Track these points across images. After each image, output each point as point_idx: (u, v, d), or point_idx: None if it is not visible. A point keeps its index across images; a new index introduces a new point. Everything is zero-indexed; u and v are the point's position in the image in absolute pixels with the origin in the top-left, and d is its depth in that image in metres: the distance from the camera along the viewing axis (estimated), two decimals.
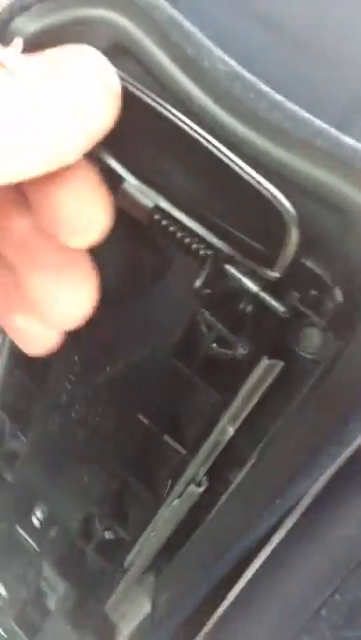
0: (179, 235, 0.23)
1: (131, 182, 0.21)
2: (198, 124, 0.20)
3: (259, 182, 0.19)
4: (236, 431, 0.26)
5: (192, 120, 0.20)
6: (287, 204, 0.19)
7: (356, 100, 0.25)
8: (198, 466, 0.27)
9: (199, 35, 0.22)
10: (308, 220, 0.21)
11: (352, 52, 0.25)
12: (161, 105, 0.20)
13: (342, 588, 0.27)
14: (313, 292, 0.22)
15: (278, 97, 0.22)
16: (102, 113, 0.19)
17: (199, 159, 0.21)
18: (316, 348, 0.24)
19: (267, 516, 0.25)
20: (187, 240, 0.23)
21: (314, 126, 0.21)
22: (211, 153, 0.20)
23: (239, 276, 0.22)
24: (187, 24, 0.22)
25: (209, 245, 0.23)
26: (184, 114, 0.20)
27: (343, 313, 0.22)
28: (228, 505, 0.27)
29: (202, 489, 0.27)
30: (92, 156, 0.20)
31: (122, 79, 0.20)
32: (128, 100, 0.20)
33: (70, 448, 0.30)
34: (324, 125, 0.21)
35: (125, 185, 0.21)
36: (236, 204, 0.21)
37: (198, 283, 0.23)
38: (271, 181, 0.20)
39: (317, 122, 0.21)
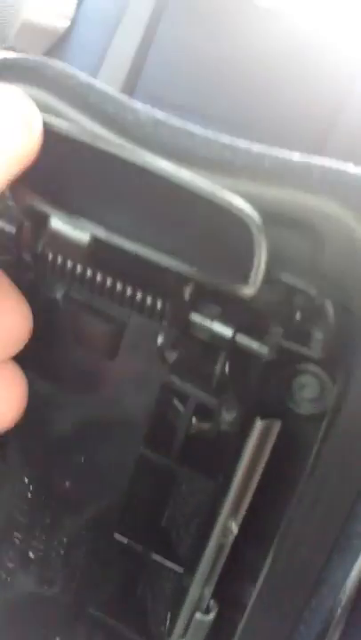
0: (128, 291, 0.19)
1: (60, 218, 0.17)
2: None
3: (211, 192, 0.16)
4: (241, 529, 0.21)
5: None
6: (247, 207, 0.16)
7: None
8: (202, 585, 0.21)
9: (116, 93, 0.21)
10: (274, 242, 0.18)
11: None
12: (95, 139, 0.18)
13: None
14: (298, 319, 0.18)
15: (210, 134, 0.20)
16: (14, 146, 0.16)
17: (138, 192, 0.18)
18: (314, 400, 0.20)
19: (304, 630, 0.19)
20: (138, 295, 0.19)
21: (255, 152, 0.20)
22: (152, 182, 0.17)
23: (208, 322, 0.19)
24: (101, 85, 0.21)
25: (164, 293, 0.19)
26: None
27: (337, 339, 0.18)
28: (251, 629, 0.21)
29: (211, 616, 0.21)
30: (15, 197, 0.17)
31: (49, 122, 0.17)
32: (56, 140, 0.17)
33: (29, 599, 0.24)
34: (265, 149, 0.20)
35: (53, 223, 0.17)
36: (188, 233, 0.18)
37: (160, 340, 0.19)
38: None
39: (257, 147, 0.20)
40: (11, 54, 0.22)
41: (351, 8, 0.94)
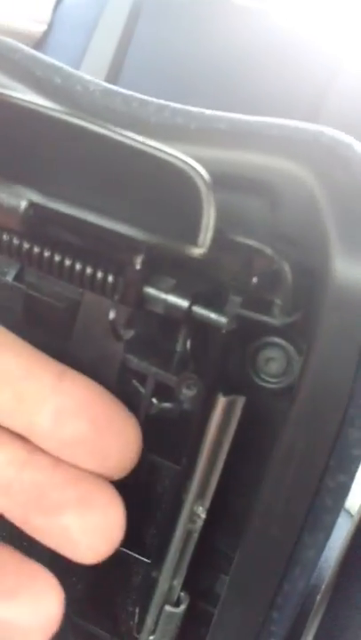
0: (77, 265, 0.18)
1: None
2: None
3: (154, 148, 0.15)
4: (212, 515, 0.20)
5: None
6: (193, 163, 0.15)
7: None
8: (170, 576, 0.20)
9: (64, 66, 0.21)
10: (231, 206, 0.17)
11: None
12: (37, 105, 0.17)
13: None
14: (255, 284, 0.17)
15: (162, 101, 0.20)
16: None
17: (80, 155, 0.17)
18: (280, 374, 0.19)
19: (277, 617, 0.18)
20: (88, 269, 0.18)
21: (209, 115, 0.19)
22: (93, 143, 0.16)
23: (163, 295, 0.18)
24: (49, 59, 0.21)
25: (114, 265, 0.18)
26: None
27: (298, 305, 0.17)
28: (223, 620, 0.19)
29: (182, 609, 0.20)
30: None
31: None
32: None
33: None
34: (220, 112, 0.19)
35: None
36: (133, 194, 0.17)
37: (112, 315, 0.18)
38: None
39: (209, 111, 0.19)
40: None
41: (328, 4, 0.94)
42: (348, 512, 0.33)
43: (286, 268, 0.16)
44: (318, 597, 0.20)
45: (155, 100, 0.20)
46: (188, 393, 0.18)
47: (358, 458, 0.16)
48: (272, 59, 0.91)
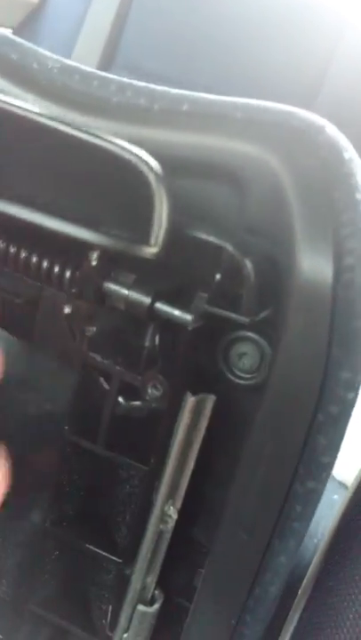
0: (34, 259, 0.17)
1: None
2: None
3: (98, 138, 0.14)
4: (188, 512, 0.19)
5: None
6: (143, 154, 0.14)
7: None
8: (143, 576, 0.19)
9: (22, 41, 0.19)
10: (190, 196, 0.16)
11: None
12: None
13: None
14: (219, 280, 0.16)
15: (124, 80, 0.18)
16: None
17: (28, 149, 0.16)
18: (254, 369, 0.18)
19: (250, 620, 0.17)
20: (45, 263, 0.17)
21: (173, 94, 0.18)
22: (38, 137, 0.15)
23: (124, 291, 0.17)
24: (7, 34, 0.19)
25: (74, 259, 0.17)
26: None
27: (265, 300, 0.16)
28: (196, 620, 0.19)
29: (155, 608, 0.20)
30: None
31: None
32: None
33: None
34: (184, 92, 0.18)
35: None
36: (79, 190, 0.16)
37: (67, 309, 0.17)
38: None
39: (175, 91, 0.18)
40: None
41: None
42: (344, 485, 0.32)
43: (248, 265, 0.15)
44: (297, 596, 0.20)
45: (116, 77, 0.19)
46: (154, 393, 0.17)
47: (328, 465, 0.16)
48: (276, 24, 0.88)
